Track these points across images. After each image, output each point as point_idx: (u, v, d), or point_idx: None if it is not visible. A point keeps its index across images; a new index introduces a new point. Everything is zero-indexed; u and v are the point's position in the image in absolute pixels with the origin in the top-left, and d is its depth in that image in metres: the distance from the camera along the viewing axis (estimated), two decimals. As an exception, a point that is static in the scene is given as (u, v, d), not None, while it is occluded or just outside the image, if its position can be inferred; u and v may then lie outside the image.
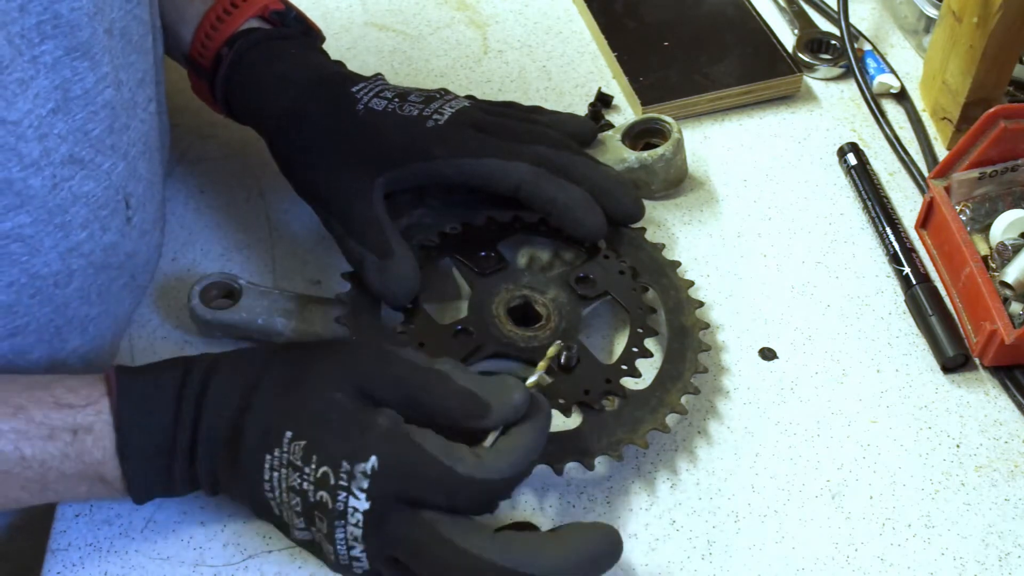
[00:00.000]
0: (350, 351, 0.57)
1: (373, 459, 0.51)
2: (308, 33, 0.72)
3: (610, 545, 0.53)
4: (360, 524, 0.51)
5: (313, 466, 0.52)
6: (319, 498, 0.52)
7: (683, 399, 0.61)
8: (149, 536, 0.58)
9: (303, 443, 0.52)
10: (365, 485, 0.51)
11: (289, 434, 0.53)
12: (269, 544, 0.58)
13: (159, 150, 0.67)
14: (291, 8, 0.72)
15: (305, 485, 0.52)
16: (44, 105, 0.52)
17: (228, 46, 0.69)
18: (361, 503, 0.51)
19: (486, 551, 0.51)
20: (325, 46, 0.74)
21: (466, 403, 0.54)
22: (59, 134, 0.54)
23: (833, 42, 0.85)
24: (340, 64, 0.71)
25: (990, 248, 0.69)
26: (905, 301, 0.69)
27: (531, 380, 0.58)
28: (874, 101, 0.81)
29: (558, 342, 0.61)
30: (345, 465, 0.51)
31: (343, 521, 0.52)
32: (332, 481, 0.51)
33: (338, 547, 0.52)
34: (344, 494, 0.51)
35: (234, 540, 0.58)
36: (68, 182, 0.55)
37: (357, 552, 0.52)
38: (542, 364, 0.59)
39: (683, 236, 0.73)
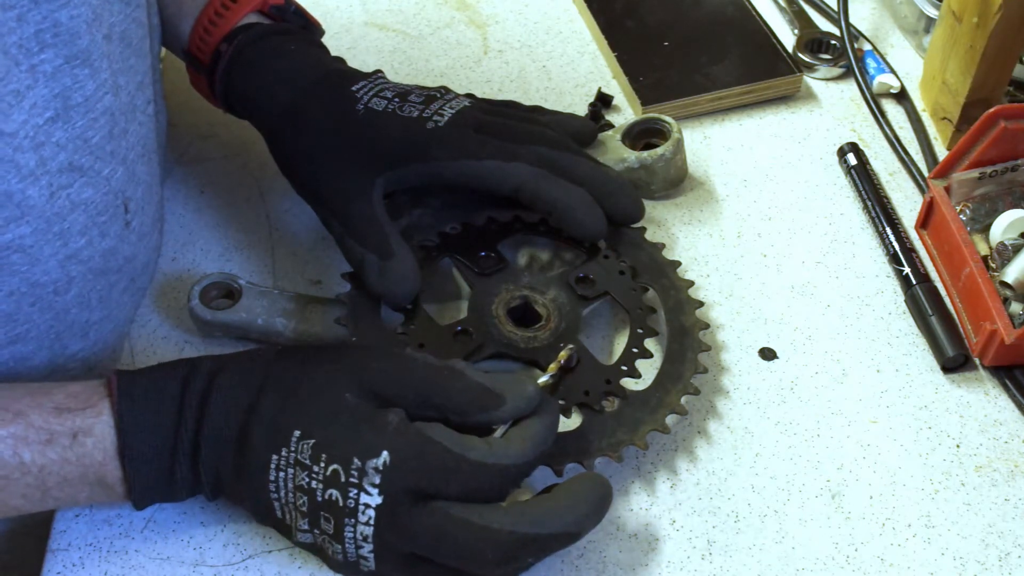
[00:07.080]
0: (358, 352, 0.57)
1: (385, 454, 0.52)
2: (307, 27, 0.72)
3: (605, 489, 0.55)
4: (371, 521, 0.51)
5: (322, 464, 0.52)
6: (328, 496, 0.52)
7: (683, 399, 0.61)
8: (149, 536, 0.58)
9: (311, 442, 0.52)
10: (377, 480, 0.51)
11: (297, 433, 0.53)
12: (269, 544, 0.58)
13: (157, 151, 0.66)
14: (290, 2, 0.71)
15: (313, 484, 0.52)
16: (42, 114, 0.52)
17: (227, 42, 0.68)
18: (373, 499, 0.51)
19: (504, 523, 0.52)
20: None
21: (480, 395, 0.55)
22: (57, 142, 0.53)
23: (833, 42, 0.85)
24: (340, 60, 0.71)
25: (990, 248, 0.69)
26: (905, 301, 0.69)
27: (542, 380, 0.58)
28: (874, 101, 0.81)
29: (569, 346, 0.61)
30: (356, 462, 0.52)
31: (353, 519, 0.52)
32: (343, 479, 0.52)
33: (347, 546, 0.52)
34: (355, 491, 0.51)
35: (234, 540, 0.58)
36: (66, 190, 0.55)
37: (365, 551, 0.52)
38: (552, 366, 0.59)
39: (683, 236, 0.73)
